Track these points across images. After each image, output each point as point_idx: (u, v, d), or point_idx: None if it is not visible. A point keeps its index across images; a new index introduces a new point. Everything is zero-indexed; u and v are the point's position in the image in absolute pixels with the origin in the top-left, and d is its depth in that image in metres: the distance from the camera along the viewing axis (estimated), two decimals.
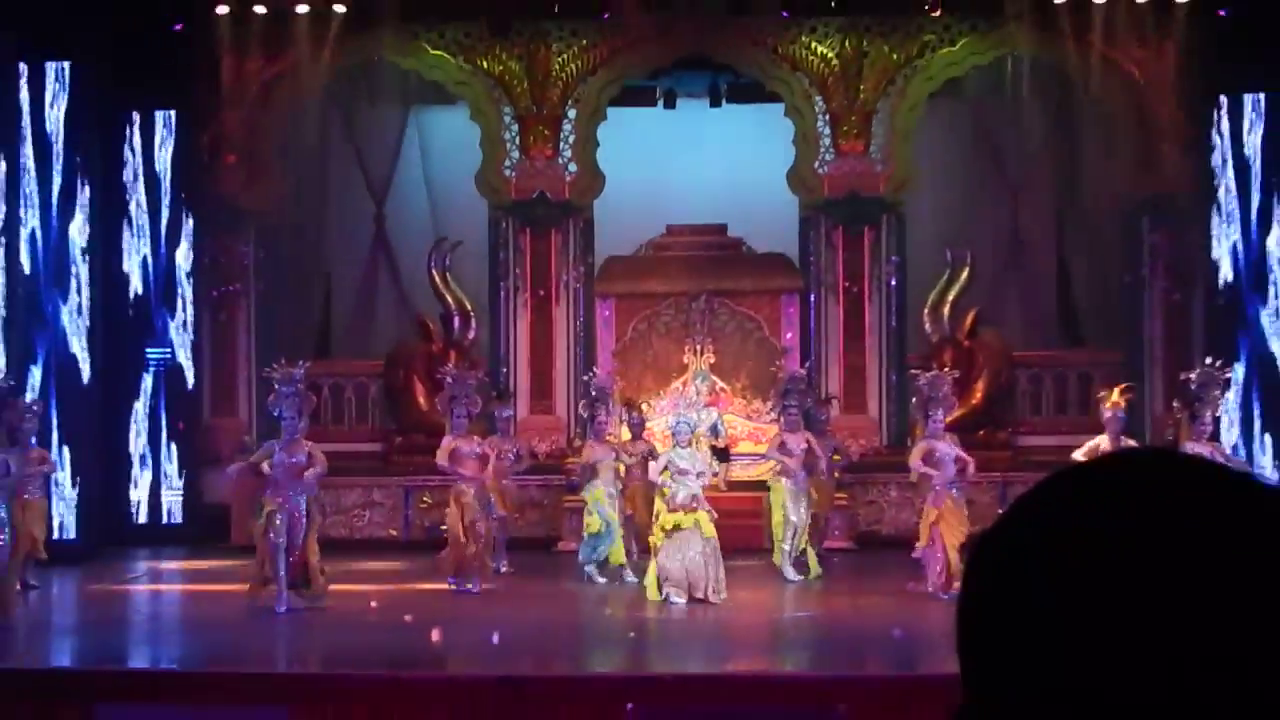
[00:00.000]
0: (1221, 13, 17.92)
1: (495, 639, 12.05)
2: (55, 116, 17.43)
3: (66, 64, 17.45)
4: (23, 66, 16.95)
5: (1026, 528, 1.04)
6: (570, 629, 13.20)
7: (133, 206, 18.73)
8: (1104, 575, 0.97)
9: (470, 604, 14.10)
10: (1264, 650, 0.95)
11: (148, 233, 18.79)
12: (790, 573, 15.07)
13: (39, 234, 17.21)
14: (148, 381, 18.74)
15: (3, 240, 16.77)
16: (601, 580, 15.18)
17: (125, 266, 18.66)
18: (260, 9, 18.12)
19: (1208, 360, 15.30)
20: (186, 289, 18.88)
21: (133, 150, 18.69)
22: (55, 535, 16.45)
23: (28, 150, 17.04)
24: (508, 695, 10.53)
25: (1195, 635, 0.95)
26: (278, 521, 13.44)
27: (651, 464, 15.62)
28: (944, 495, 14.17)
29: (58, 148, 17.46)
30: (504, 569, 15.59)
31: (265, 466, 13.82)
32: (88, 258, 17.72)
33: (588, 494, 15.33)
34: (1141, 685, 0.95)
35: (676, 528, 13.99)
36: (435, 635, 12.21)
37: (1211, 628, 0.95)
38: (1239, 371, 17.38)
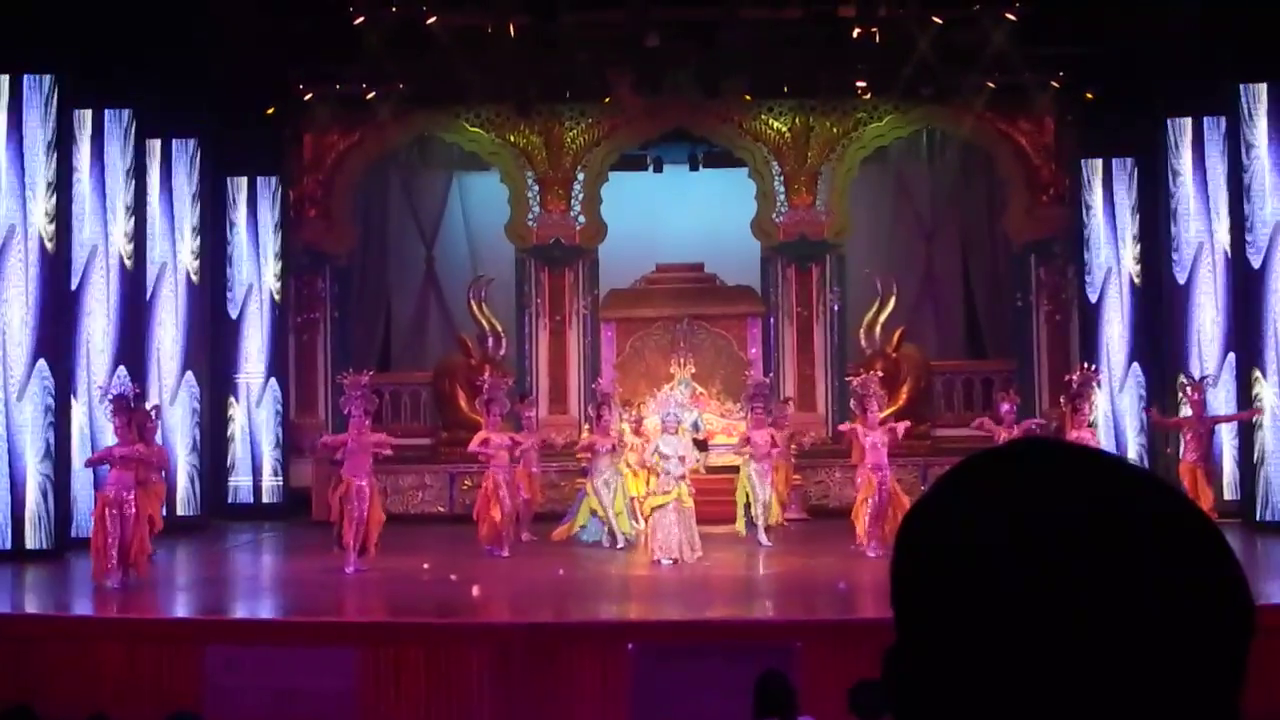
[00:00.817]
0: (1089, 95, 17.89)
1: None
2: (180, 181, 17.39)
3: (190, 141, 17.43)
4: (153, 143, 16.87)
5: (944, 502, 1.03)
6: (581, 584, 13.09)
7: (238, 251, 18.69)
8: (1005, 538, 0.97)
9: (501, 565, 14.01)
10: (1131, 589, 0.95)
11: (251, 270, 18.76)
12: (763, 538, 14.97)
13: (167, 269, 17.18)
14: (249, 388, 18.70)
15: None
16: (607, 544, 15.07)
17: (230, 296, 18.61)
18: (336, 94, 18.05)
19: (1084, 365, 15.22)
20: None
21: (237, 207, 18.67)
22: (178, 511, 16.46)
23: (153, 206, 16.94)
24: (532, 637, 10.44)
25: (1078, 584, 0.94)
26: (353, 496, 13.41)
27: (647, 452, 15.55)
28: (870, 475, 14.08)
29: (181, 206, 17.40)
30: (527, 538, 15.46)
31: (339, 454, 13.85)
32: (200, 289, 17.64)
33: (594, 478, 15.26)
34: (1032, 629, 0.95)
35: (662, 503, 13.93)
36: (475, 590, 12.13)
37: (1089, 579, 0.95)
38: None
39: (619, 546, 14.97)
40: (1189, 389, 15.08)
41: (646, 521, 14.14)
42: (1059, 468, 1.01)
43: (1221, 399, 15.92)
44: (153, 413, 14.10)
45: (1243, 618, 0.98)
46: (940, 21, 15.97)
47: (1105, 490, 0.99)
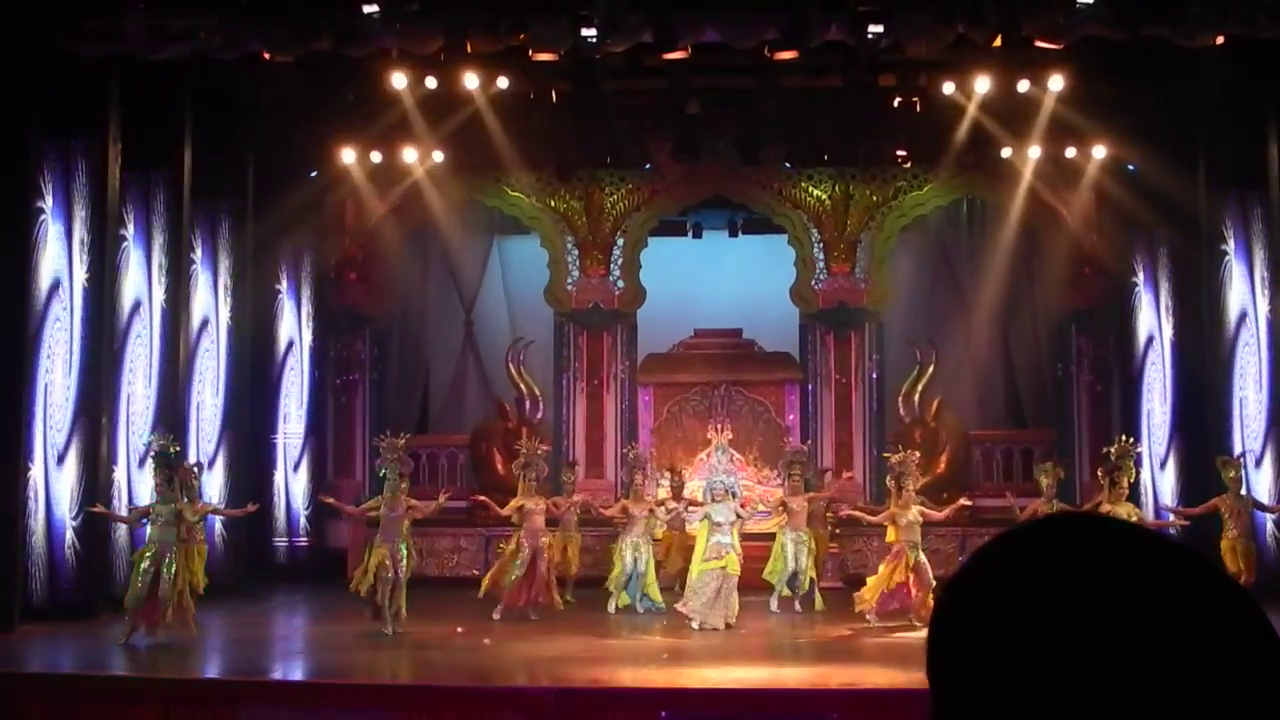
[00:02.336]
0: (1130, 167, 17.94)
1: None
2: (223, 245, 17.66)
3: (231, 205, 17.74)
4: (195, 205, 17.15)
5: (981, 575, 1.05)
6: (613, 649, 13.12)
7: (281, 310, 19.00)
8: (1041, 614, 0.99)
9: (533, 630, 14.05)
10: (1175, 670, 0.96)
11: (292, 329, 19.05)
12: (773, 604, 15.15)
13: (209, 329, 17.42)
14: (286, 448, 18.88)
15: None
16: (640, 610, 15.12)
17: (271, 361, 18.85)
18: (377, 159, 18.25)
19: (1122, 438, 15.25)
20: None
21: (277, 271, 18.99)
22: (211, 570, 16.60)
23: (198, 272, 17.21)
24: (564, 702, 10.48)
25: (1113, 664, 0.96)
26: (388, 562, 13.48)
27: (686, 517, 15.67)
28: (902, 551, 14.22)
29: (224, 274, 17.69)
30: (568, 599, 15.50)
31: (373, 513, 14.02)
32: (240, 349, 17.87)
33: (628, 543, 15.34)
34: (1068, 708, 0.96)
35: (708, 568, 14.06)
36: (496, 645, 12.13)
37: (1129, 654, 0.96)
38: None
39: (652, 610, 15.03)
40: (1230, 467, 14.94)
41: (690, 585, 14.26)
42: (1096, 543, 1.02)
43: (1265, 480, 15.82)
44: (195, 469, 14.28)
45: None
46: (982, 91, 16.05)
47: (1140, 567, 1.00)
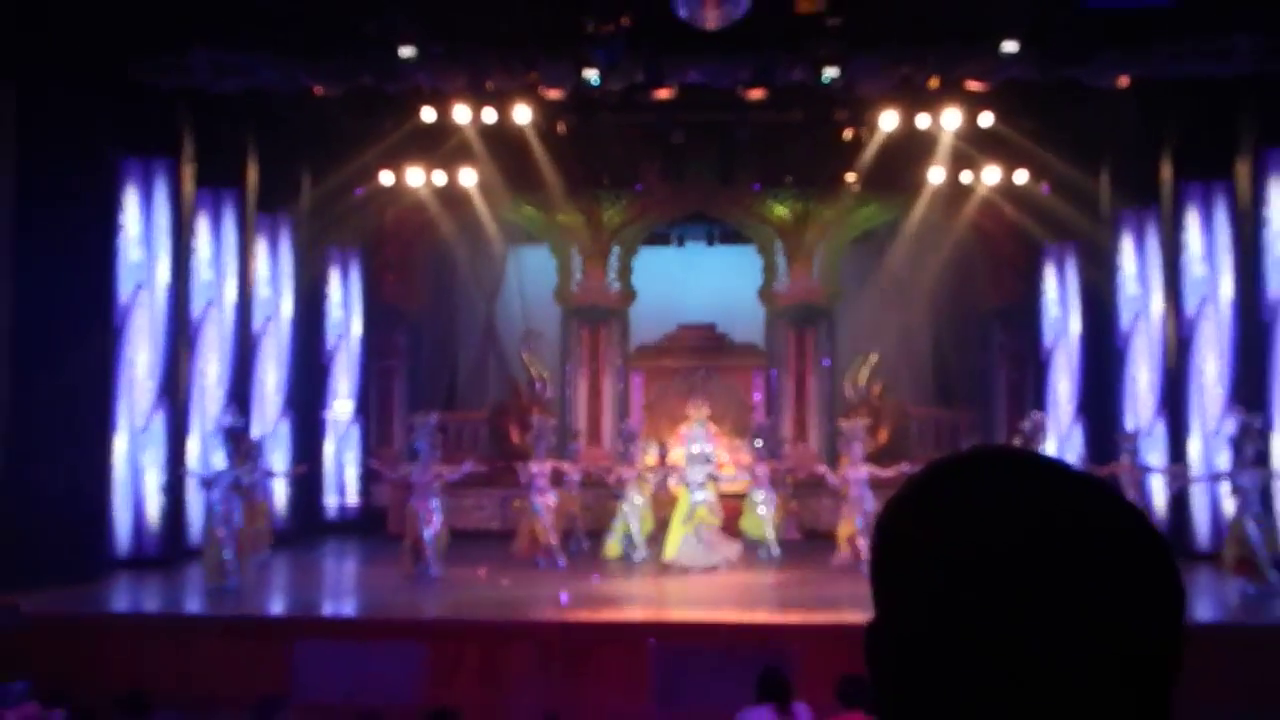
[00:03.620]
0: (1044, 188, 17.90)
1: (564, 598, 11.93)
2: (281, 252, 17.52)
3: (291, 214, 17.63)
4: (259, 216, 17.06)
5: (915, 494, 1.01)
6: (611, 590, 13.07)
7: (331, 305, 18.92)
8: (964, 523, 0.96)
9: (543, 574, 13.99)
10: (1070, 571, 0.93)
11: (341, 322, 18.96)
12: (772, 550, 15.07)
13: (271, 322, 17.26)
14: (336, 422, 18.79)
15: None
16: (634, 556, 15.06)
17: (323, 350, 18.76)
18: (412, 180, 18.16)
19: (1035, 414, 15.21)
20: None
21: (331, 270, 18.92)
22: (274, 524, 16.52)
23: (261, 274, 17.10)
24: (568, 634, 10.43)
25: (1030, 574, 0.92)
26: (419, 517, 13.43)
27: (670, 479, 15.60)
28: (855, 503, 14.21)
29: (284, 275, 17.57)
30: (573, 551, 15.43)
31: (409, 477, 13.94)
32: (297, 345, 17.78)
33: (623, 501, 15.29)
34: (988, 610, 0.93)
35: (688, 521, 14.03)
36: (512, 586, 12.05)
37: (1041, 571, 0.93)
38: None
39: (642, 558, 14.97)
40: (1125, 439, 14.90)
41: (675, 536, 14.24)
42: (1016, 471, 0.99)
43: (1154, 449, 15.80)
44: (256, 441, 14.19)
45: (1180, 609, 0.95)
46: (921, 126, 15.98)
47: (1056, 489, 0.97)
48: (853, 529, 14.15)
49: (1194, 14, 12.99)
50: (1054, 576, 0.92)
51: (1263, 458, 12.94)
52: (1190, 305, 15.28)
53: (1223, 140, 14.36)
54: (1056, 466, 1.00)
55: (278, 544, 15.66)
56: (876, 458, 15.66)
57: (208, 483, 13.20)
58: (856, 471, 14.38)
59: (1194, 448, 15.11)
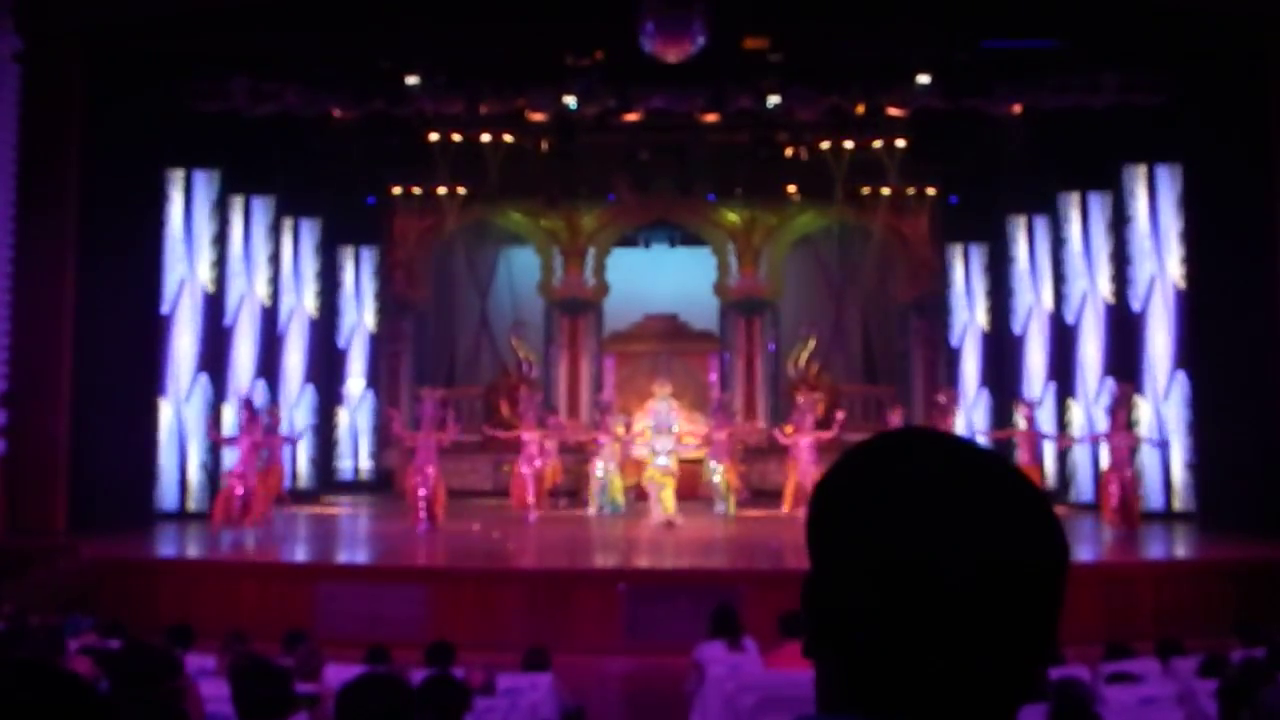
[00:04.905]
0: (953, 199, 17.93)
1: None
2: (304, 251, 17.36)
3: (314, 220, 17.49)
4: (286, 220, 16.92)
5: (845, 468, 1.01)
6: (587, 541, 13.05)
7: (345, 299, 18.71)
8: (888, 487, 0.97)
9: (529, 528, 13.95)
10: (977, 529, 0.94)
11: (355, 313, 18.75)
12: (721, 509, 15.03)
13: (296, 311, 17.08)
14: (351, 397, 18.66)
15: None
16: (607, 512, 15.02)
17: (340, 334, 18.60)
18: (417, 190, 18.02)
19: (948, 388, 15.24)
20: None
21: (346, 268, 18.71)
22: (295, 484, 16.38)
23: (286, 270, 16.92)
24: (551, 579, 10.39)
25: (944, 527, 0.94)
26: (419, 479, 13.35)
27: (636, 446, 15.55)
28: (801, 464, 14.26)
29: (307, 271, 17.37)
30: (553, 508, 15.38)
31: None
32: (317, 330, 17.60)
33: (597, 464, 15.24)
34: (907, 562, 0.94)
35: (653, 481, 14.01)
36: (502, 538, 11.99)
37: (954, 524, 0.94)
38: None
39: (614, 513, 14.94)
40: (1022, 408, 15.03)
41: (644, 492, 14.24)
42: (931, 446, 1.00)
43: (1045, 416, 15.94)
44: (274, 410, 14.17)
45: (1061, 551, 0.97)
46: (849, 145, 16.00)
47: (964, 460, 0.98)
48: (796, 486, 14.20)
49: (1072, 54, 13.36)
50: (961, 526, 0.94)
51: (1132, 423, 13.21)
52: (1074, 295, 15.48)
53: (1097, 157, 14.68)
54: (963, 442, 1.02)
55: (299, 500, 15.53)
56: (816, 429, 15.72)
57: (229, 442, 13.06)
58: (805, 437, 14.47)
59: (1077, 415, 15.31)
